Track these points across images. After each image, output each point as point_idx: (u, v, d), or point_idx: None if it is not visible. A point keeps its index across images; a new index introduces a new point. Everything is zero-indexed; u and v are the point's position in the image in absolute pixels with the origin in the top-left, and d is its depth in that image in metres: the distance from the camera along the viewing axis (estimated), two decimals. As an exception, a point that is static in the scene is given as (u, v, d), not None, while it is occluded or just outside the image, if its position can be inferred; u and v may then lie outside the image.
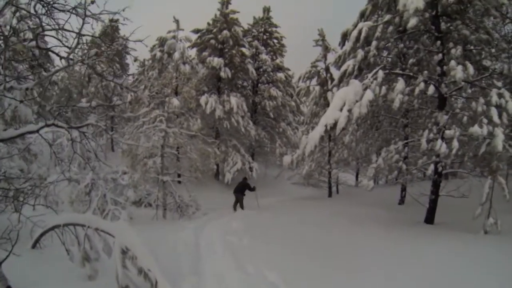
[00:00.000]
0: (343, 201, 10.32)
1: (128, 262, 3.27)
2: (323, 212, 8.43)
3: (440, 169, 6.13)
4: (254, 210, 9.64)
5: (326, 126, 5.51)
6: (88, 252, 3.46)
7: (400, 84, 5.75)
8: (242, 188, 10.33)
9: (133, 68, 21.48)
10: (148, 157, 9.50)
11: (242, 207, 10.24)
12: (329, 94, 11.44)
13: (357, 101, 5.38)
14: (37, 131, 3.65)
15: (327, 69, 12.80)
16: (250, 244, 5.55)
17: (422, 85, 5.83)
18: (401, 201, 9.20)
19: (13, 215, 4.29)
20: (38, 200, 5.40)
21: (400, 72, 6.59)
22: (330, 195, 12.07)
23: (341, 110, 5.41)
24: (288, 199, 12.35)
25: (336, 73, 10.88)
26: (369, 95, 5.38)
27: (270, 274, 4.07)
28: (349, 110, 5.36)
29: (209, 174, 13.47)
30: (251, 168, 12.56)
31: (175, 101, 12.91)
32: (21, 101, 3.49)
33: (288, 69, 17.99)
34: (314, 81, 13.58)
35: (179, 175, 10.72)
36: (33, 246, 3.95)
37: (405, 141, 7.00)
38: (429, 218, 6.48)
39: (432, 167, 6.05)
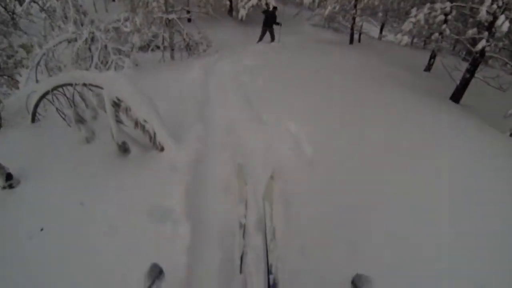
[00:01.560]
0: (365, 52, 9.38)
1: (123, 116, 3.06)
2: (346, 60, 7.57)
3: (487, 48, 5.34)
4: (272, 47, 8.88)
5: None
6: (81, 113, 3.29)
7: None
8: (271, 19, 9.91)
9: None
10: (149, -5, 8.33)
11: (273, 38, 10.13)
12: None
13: None
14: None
15: None
16: (266, 87, 4.89)
17: None
18: (427, 68, 8.54)
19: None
20: (40, 70, 5.21)
21: None
22: (351, 42, 11.19)
23: None
24: (307, 39, 11.33)
25: None
26: None
27: (289, 124, 3.53)
28: None
29: (222, 11, 12.37)
30: (267, 4, 10.85)
31: None
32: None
33: None
34: None
35: (188, 12, 9.59)
36: (33, 120, 3.85)
37: (454, 4, 5.76)
38: (456, 96, 6.09)
39: (483, 42, 5.23)
